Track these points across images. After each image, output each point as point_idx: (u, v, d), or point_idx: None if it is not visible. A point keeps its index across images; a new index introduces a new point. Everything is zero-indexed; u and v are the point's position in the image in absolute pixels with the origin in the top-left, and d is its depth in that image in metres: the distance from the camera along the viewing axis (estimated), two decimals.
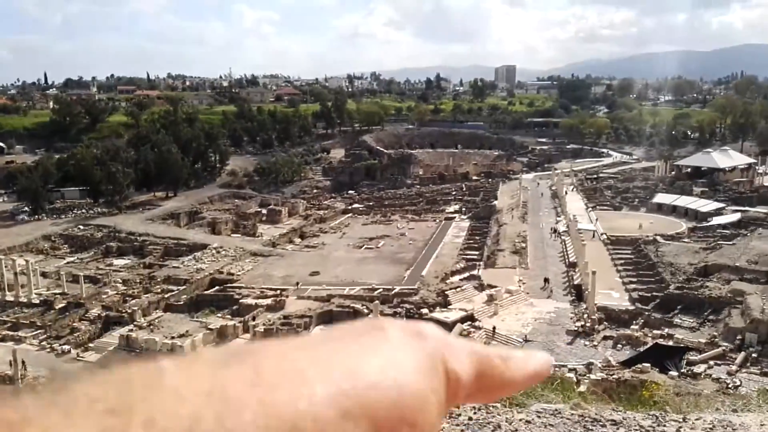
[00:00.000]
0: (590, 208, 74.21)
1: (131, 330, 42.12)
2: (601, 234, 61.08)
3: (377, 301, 43.84)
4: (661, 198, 77.35)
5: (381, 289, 49.61)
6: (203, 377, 0.38)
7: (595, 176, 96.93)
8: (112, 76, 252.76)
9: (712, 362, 34.61)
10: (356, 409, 0.41)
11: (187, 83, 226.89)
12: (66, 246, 65.67)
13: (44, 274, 54.64)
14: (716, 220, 66.39)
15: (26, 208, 75.79)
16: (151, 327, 43.02)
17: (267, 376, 0.39)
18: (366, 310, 42.98)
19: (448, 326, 40.68)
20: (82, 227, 69.85)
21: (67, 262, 60.49)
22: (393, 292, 48.51)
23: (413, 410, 0.44)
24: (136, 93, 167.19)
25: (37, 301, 48.50)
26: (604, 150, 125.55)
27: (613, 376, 25.33)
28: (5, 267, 50.61)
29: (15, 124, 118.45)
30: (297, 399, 0.39)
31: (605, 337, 39.26)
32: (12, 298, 49.16)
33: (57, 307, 46.65)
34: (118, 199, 78.52)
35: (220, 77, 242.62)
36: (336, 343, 0.48)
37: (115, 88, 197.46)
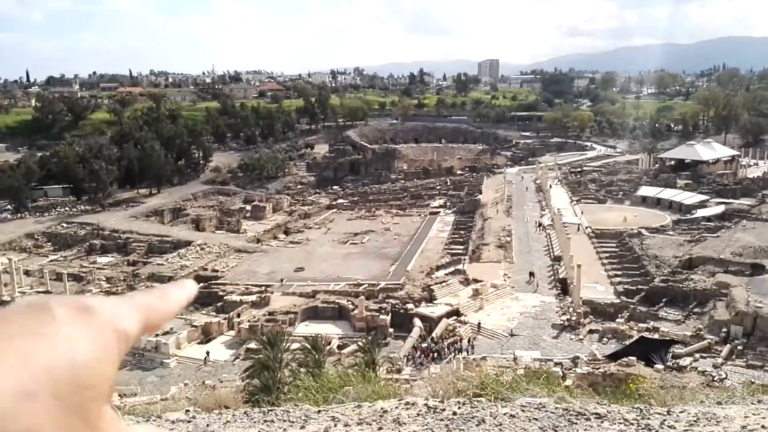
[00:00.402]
0: (575, 202, 74.55)
1: None
2: (586, 227, 61.36)
3: (362, 297, 43.77)
4: (645, 191, 77.83)
5: (366, 285, 49.54)
6: None
7: (579, 170, 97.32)
8: (95, 73, 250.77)
9: (697, 355, 34.80)
10: (37, 388, 0.46)
11: (170, 80, 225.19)
12: (49, 244, 65.09)
13: (27, 273, 54.10)
14: (700, 213, 66.89)
15: (9, 207, 74.98)
16: None
17: None
18: (351, 306, 42.92)
19: (434, 321, 40.74)
20: (65, 225, 69.23)
21: (51, 260, 59.95)
22: (378, 288, 48.45)
23: (89, 376, 0.50)
24: (118, 90, 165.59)
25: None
26: (588, 143, 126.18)
27: (599, 370, 25.45)
28: None
29: None
30: None
31: (591, 331, 39.39)
32: None
33: None
34: (102, 196, 77.95)
35: (203, 73, 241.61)
36: (2, 329, 0.50)
37: (97, 85, 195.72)
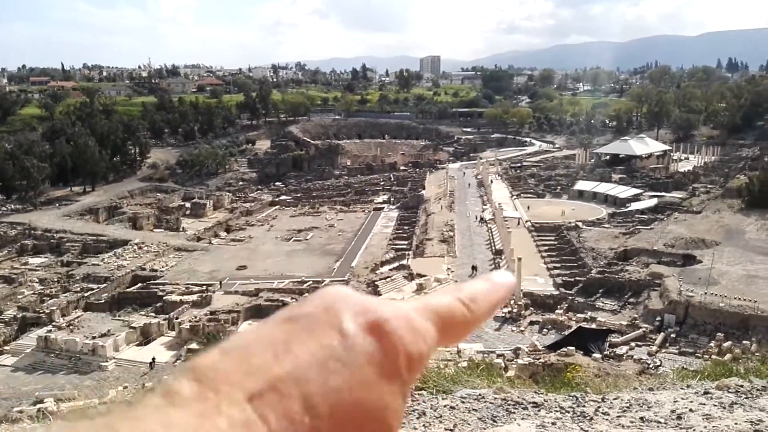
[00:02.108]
0: (515, 196, 75.85)
1: (50, 331, 40.32)
2: (526, 221, 62.53)
3: (307, 294, 43.45)
4: (582, 185, 79.75)
5: (310, 282, 49.25)
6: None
7: (519, 165, 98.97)
8: (24, 66, 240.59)
9: (633, 343, 35.93)
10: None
11: (104, 74, 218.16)
12: None
13: None
14: (634, 206, 68.99)
15: None
16: (71, 327, 41.27)
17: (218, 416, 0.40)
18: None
19: None
20: None
21: None
22: (323, 285, 48.17)
23: (376, 419, 0.44)
24: (49, 84, 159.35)
25: None
26: (527, 139, 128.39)
27: (540, 360, 25.93)
28: None
29: None
30: None
31: (531, 322, 40.19)
32: None
33: None
34: (33, 194, 75.08)
35: (139, 67, 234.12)
36: (291, 352, 0.44)
37: (27, 79, 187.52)
